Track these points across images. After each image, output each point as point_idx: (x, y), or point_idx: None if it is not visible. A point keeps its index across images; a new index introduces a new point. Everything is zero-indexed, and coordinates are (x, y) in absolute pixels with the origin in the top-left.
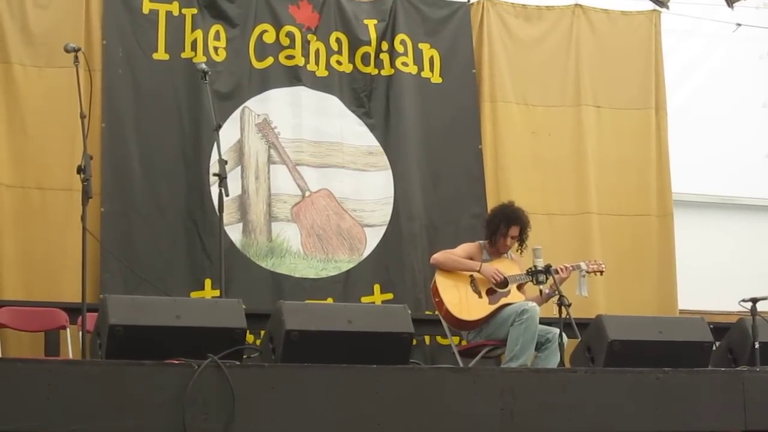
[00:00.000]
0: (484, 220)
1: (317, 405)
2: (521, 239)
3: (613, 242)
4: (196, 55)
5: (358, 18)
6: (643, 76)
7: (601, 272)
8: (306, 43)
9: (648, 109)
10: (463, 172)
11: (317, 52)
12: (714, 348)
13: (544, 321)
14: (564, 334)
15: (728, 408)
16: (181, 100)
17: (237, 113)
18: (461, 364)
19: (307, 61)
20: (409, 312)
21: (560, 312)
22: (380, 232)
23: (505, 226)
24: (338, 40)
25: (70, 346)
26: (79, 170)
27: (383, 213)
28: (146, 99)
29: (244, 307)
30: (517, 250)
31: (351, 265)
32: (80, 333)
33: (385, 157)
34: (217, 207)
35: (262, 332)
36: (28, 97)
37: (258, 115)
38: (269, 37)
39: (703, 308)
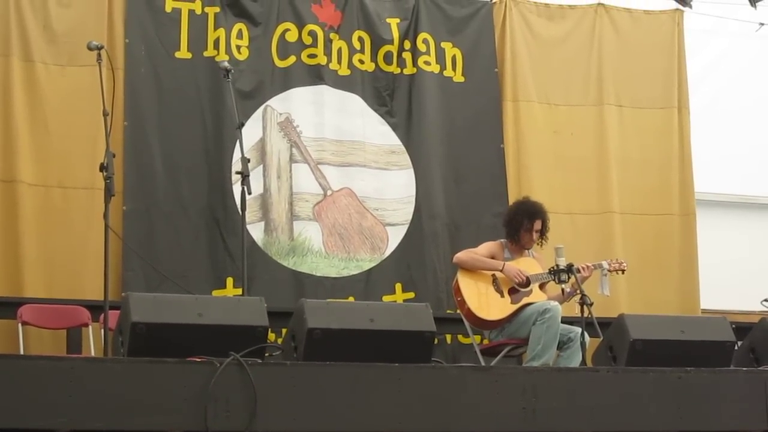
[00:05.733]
0: (503, 219)
1: (339, 403)
2: (542, 232)
3: (636, 242)
4: (218, 53)
5: (381, 17)
6: (665, 76)
7: (623, 271)
8: (328, 42)
9: (671, 109)
10: (485, 171)
11: (339, 50)
12: (736, 348)
13: (566, 320)
14: (586, 334)
15: (750, 408)
16: (203, 99)
17: (259, 112)
18: (483, 363)
19: (329, 60)
20: (431, 311)
21: (582, 311)
22: (402, 231)
23: (528, 221)
24: (360, 39)
25: (92, 343)
26: (102, 168)
27: (405, 212)
28: (168, 97)
29: (265, 305)
30: (539, 243)
31: (372, 264)
32: (102, 330)
33: (407, 156)
34: (239, 205)
35: (284, 330)
36: (51, 95)
37: (280, 114)
38: (292, 36)
39: (726, 308)
